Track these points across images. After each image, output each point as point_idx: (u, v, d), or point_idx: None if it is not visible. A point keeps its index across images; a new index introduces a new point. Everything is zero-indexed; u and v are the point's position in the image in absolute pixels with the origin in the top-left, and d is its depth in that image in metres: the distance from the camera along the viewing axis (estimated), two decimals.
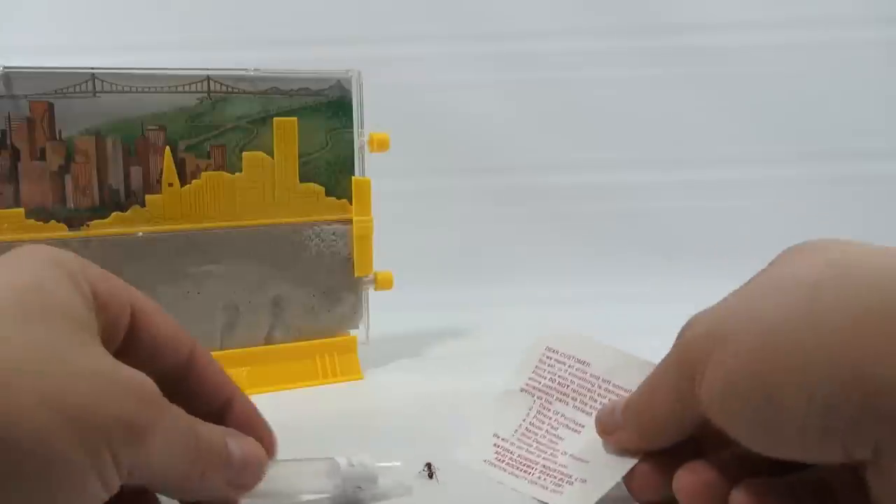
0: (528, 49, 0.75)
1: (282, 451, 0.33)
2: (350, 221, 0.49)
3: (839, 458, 0.24)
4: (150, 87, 0.44)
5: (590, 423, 0.33)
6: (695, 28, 0.76)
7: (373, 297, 0.51)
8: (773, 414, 0.24)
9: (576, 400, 0.35)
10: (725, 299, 0.28)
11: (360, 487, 0.31)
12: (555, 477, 0.33)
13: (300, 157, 0.47)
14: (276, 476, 0.29)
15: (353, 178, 0.49)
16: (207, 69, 0.45)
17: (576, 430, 0.34)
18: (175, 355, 0.29)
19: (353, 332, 0.50)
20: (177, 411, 0.25)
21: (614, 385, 0.34)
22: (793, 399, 0.24)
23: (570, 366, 0.36)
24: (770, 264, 0.29)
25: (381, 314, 0.51)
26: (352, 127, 0.49)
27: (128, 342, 0.28)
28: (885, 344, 0.22)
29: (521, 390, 0.36)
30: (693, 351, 0.27)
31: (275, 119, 0.47)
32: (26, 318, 0.23)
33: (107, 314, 0.26)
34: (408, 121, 0.62)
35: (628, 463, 0.31)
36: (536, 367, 0.36)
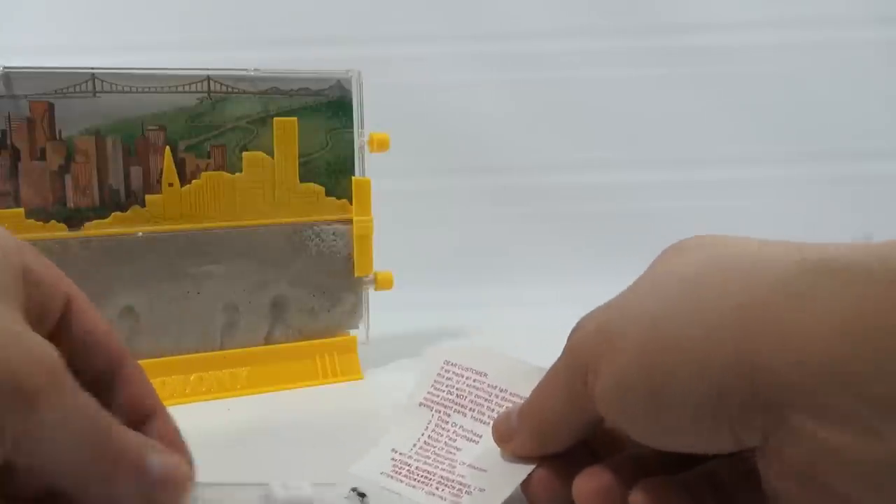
0: (528, 49, 0.75)
1: (281, 451, 0.33)
2: (350, 221, 0.49)
3: (730, 445, 0.24)
4: (150, 87, 0.44)
5: (487, 432, 0.33)
6: (695, 28, 0.76)
7: (373, 297, 0.51)
8: (664, 406, 0.25)
9: (473, 411, 0.35)
10: (611, 299, 0.29)
11: None
12: (452, 487, 0.33)
13: (300, 157, 0.47)
14: (202, 500, 0.27)
15: (353, 178, 0.49)
16: (207, 69, 0.45)
17: (474, 441, 0.34)
18: (105, 357, 0.27)
19: (353, 332, 0.50)
20: (83, 396, 0.23)
21: (511, 393, 0.34)
22: (682, 389, 0.24)
23: (467, 378, 0.36)
24: (651, 264, 0.29)
25: (381, 314, 0.51)
26: (352, 127, 0.49)
27: (58, 330, 0.26)
28: (766, 332, 0.23)
29: (420, 405, 0.36)
30: (583, 351, 0.28)
31: (275, 119, 0.47)
32: None
33: (38, 291, 0.25)
34: (408, 121, 0.62)
35: (526, 469, 0.31)
36: (435, 381, 0.36)
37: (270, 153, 0.47)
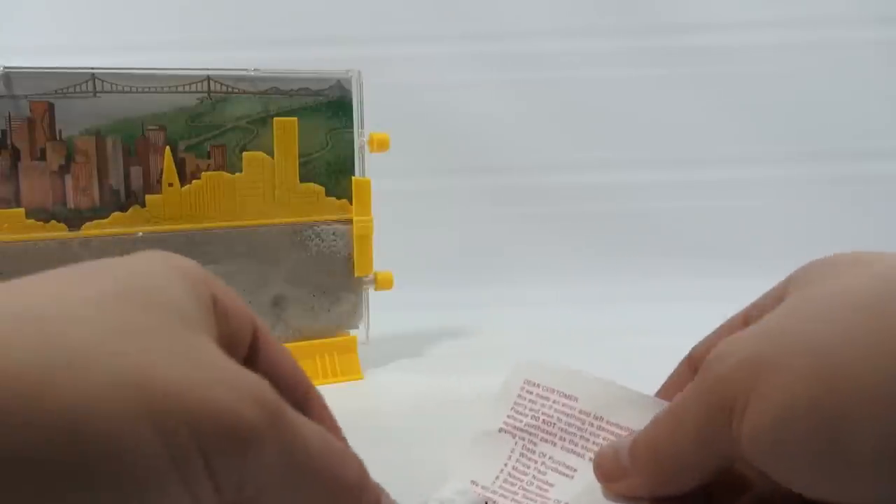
0: (528, 49, 0.75)
1: None
2: (350, 221, 0.49)
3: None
4: (150, 87, 0.44)
5: (583, 466, 0.30)
6: (695, 28, 0.76)
7: (373, 297, 0.51)
8: (838, 453, 0.21)
9: (564, 440, 0.31)
10: (761, 324, 0.24)
11: None
12: None
13: (300, 157, 0.47)
14: None
15: (353, 178, 0.49)
16: (207, 69, 0.45)
17: (567, 475, 0.30)
18: (293, 389, 0.25)
19: (353, 332, 0.50)
20: (307, 427, 0.20)
21: (608, 423, 0.30)
22: (863, 434, 0.21)
23: (554, 401, 0.32)
24: (793, 282, 0.26)
25: (381, 314, 0.51)
26: (352, 127, 0.49)
27: (248, 362, 0.24)
28: None
29: (500, 430, 0.32)
30: (728, 384, 0.23)
31: (275, 119, 0.47)
32: (119, 303, 0.19)
33: (228, 323, 0.22)
34: (408, 121, 0.62)
35: None
36: (515, 403, 0.32)
37: (270, 153, 0.47)
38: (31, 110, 0.42)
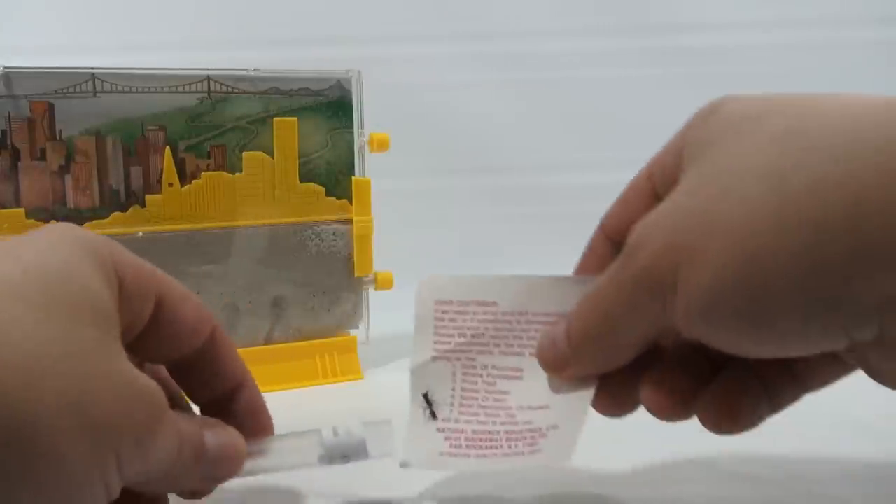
0: (528, 49, 0.75)
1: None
2: (350, 221, 0.49)
3: (841, 345, 0.23)
4: (150, 87, 0.44)
5: (527, 364, 0.30)
6: (694, 28, 0.76)
7: (373, 297, 0.51)
8: (766, 317, 0.23)
9: (499, 346, 0.30)
10: (672, 205, 0.25)
11: (346, 457, 0.30)
12: (524, 438, 0.29)
13: (300, 157, 0.47)
14: (258, 454, 0.29)
15: (353, 178, 0.49)
16: (207, 69, 0.45)
17: (516, 378, 0.30)
18: (193, 343, 0.28)
19: (353, 332, 0.50)
20: (172, 415, 0.25)
21: (534, 314, 0.30)
22: (789, 297, 0.22)
23: (474, 312, 0.31)
24: (701, 145, 0.26)
25: (381, 314, 0.51)
26: (352, 127, 0.49)
27: (146, 332, 0.27)
28: (884, 223, 0.21)
29: (434, 359, 0.32)
30: (656, 269, 0.25)
31: (275, 119, 0.47)
32: (50, 311, 0.22)
33: (130, 307, 0.26)
34: (408, 121, 0.62)
35: (590, 391, 0.28)
36: (436, 328, 0.32)
37: (270, 153, 0.47)
38: (31, 110, 0.42)
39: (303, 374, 0.48)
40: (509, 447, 0.29)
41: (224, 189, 0.46)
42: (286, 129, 0.47)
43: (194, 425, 0.27)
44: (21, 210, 0.42)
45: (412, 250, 0.59)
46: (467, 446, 0.30)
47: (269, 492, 0.34)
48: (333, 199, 0.49)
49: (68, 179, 0.43)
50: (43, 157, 0.42)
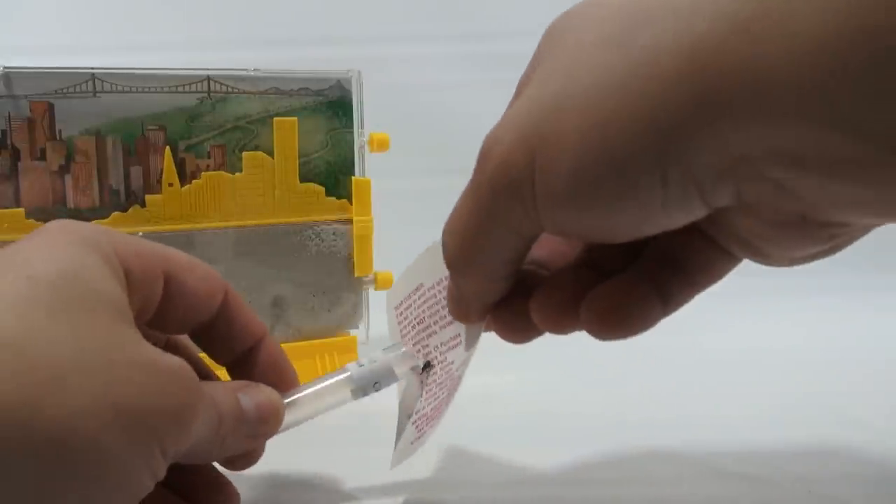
0: (528, 49, 0.75)
1: (281, 451, 0.33)
2: (350, 221, 0.49)
3: (703, 211, 0.22)
4: (150, 87, 0.44)
5: (460, 327, 0.30)
6: None
7: (373, 297, 0.51)
8: (627, 190, 0.22)
9: (438, 322, 0.31)
10: (522, 99, 0.24)
11: (377, 384, 0.31)
12: (457, 383, 0.31)
13: (300, 157, 0.47)
14: (293, 406, 0.30)
15: (353, 178, 0.49)
16: (207, 69, 0.45)
17: (457, 345, 0.31)
18: (209, 308, 0.29)
19: (353, 332, 0.50)
20: (205, 388, 0.25)
21: (446, 277, 0.30)
22: (645, 165, 0.21)
23: (413, 302, 0.32)
24: (543, 53, 0.25)
25: (381, 314, 0.51)
26: (352, 127, 0.49)
27: (161, 309, 0.28)
28: (723, 72, 0.19)
29: (404, 353, 0.33)
30: (510, 166, 0.23)
31: (275, 119, 0.47)
32: (68, 311, 0.22)
33: (140, 291, 0.26)
34: (408, 121, 0.62)
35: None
36: (400, 332, 0.34)
37: (270, 153, 0.47)
38: (31, 110, 0.42)
39: (303, 374, 0.48)
40: (447, 403, 0.31)
41: (224, 189, 0.46)
42: (286, 129, 0.47)
43: (228, 391, 0.27)
44: (21, 210, 0.42)
45: (412, 250, 0.59)
46: (426, 424, 0.32)
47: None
48: (333, 199, 0.49)
49: (68, 179, 0.43)
50: (43, 157, 0.42)
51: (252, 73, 0.46)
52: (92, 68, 0.43)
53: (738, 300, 0.59)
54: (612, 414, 0.41)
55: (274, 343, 0.31)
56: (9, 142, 0.41)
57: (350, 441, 0.39)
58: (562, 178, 0.22)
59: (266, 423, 0.28)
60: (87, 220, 0.43)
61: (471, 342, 0.30)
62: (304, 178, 0.48)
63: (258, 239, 0.47)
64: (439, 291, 0.31)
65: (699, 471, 0.35)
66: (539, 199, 0.23)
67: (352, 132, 0.49)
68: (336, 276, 0.49)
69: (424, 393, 0.32)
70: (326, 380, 0.31)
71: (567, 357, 0.52)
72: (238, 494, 0.30)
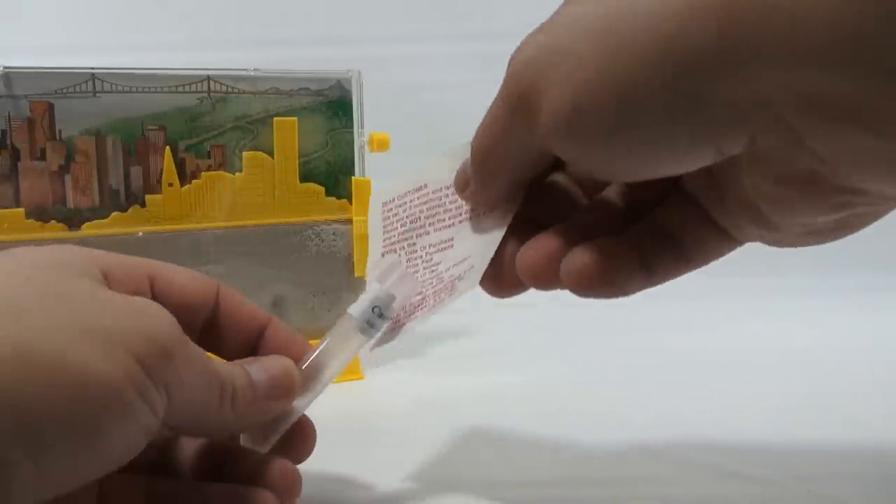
0: None
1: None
2: (350, 221, 0.49)
3: (710, 156, 0.22)
4: (150, 87, 0.44)
5: (455, 231, 0.31)
6: None
7: None
8: (631, 116, 0.21)
9: (433, 224, 0.31)
10: (549, 19, 0.24)
11: (382, 313, 0.31)
12: (447, 287, 0.31)
13: (300, 157, 0.47)
14: (311, 369, 0.30)
15: (353, 178, 0.49)
16: (207, 69, 0.45)
17: (448, 248, 0.31)
18: (203, 305, 0.29)
19: None
20: (195, 345, 0.25)
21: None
22: (655, 89, 0.20)
23: (410, 200, 0.32)
24: None
25: None
26: (352, 127, 0.49)
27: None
28: (750, 5, 0.19)
29: (383, 254, 0.33)
30: (524, 77, 0.23)
31: (275, 119, 0.47)
32: (41, 269, 0.23)
33: (124, 287, 0.26)
34: (408, 121, 0.62)
35: (502, 229, 0.29)
36: (384, 227, 0.33)
37: (270, 153, 0.47)
38: (31, 110, 0.42)
39: None
40: (435, 300, 0.31)
41: (224, 189, 0.46)
42: (286, 129, 0.47)
43: (234, 365, 0.27)
44: (21, 210, 0.42)
45: None
46: (403, 317, 0.32)
47: None
48: (333, 199, 0.49)
49: (68, 179, 0.43)
50: (43, 157, 0.42)
51: (252, 73, 0.46)
52: (92, 68, 0.43)
53: (739, 300, 0.59)
54: (613, 414, 0.41)
55: (281, 325, 0.31)
56: (9, 142, 0.41)
57: (350, 441, 0.39)
58: (566, 99, 0.22)
59: (280, 387, 0.28)
60: (88, 220, 0.43)
61: (487, 246, 0.29)
62: (304, 178, 0.48)
63: (258, 239, 0.47)
64: (444, 195, 0.31)
65: (699, 471, 0.35)
66: (542, 117, 0.23)
67: (352, 132, 0.49)
68: (336, 276, 0.49)
69: (400, 283, 0.32)
70: (332, 336, 0.31)
71: (568, 357, 0.52)
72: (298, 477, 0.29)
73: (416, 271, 0.32)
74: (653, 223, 0.27)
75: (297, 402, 0.30)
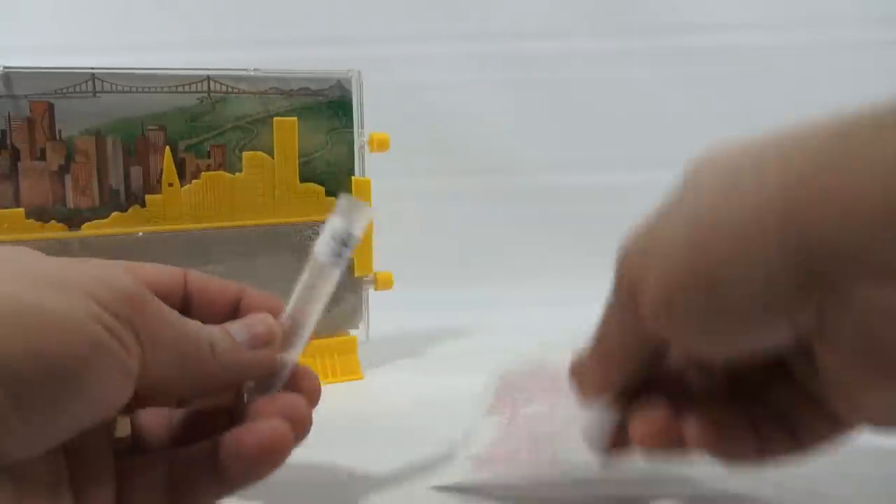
0: (528, 49, 0.75)
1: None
2: None
3: (786, 334, 0.24)
4: (150, 87, 0.44)
5: (562, 405, 0.32)
6: (694, 28, 0.76)
7: (373, 297, 0.51)
8: (714, 302, 0.24)
9: (543, 400, 0.33)
10: (651, 217, 0.28)
11: (342, 241, 0.32)
12: (547, 455, 0.32)
13: (300, 157, 0.47)
14: (291, 318, 0.30)
15: (353, 178, 0.49)
16: (207, 69, 0.45)
17: (551, 420, 0.32)
18: (174, 295, 0.29)
19: (353, 332, 0.50)
20: (162, 303, 0.25)
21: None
22: (731, 280, 0.23)
23: (527, 375, 0.35)
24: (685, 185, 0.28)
25: (381, 314, 0.51)
26: (352, 127, 0.49)
27: None
28: (810, 201, 0.22)
29: (488, 413, 0.35)
30: (627, 272, 0.27)
31: (275, 119, 0.47)
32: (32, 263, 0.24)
33: None
34: (408, 121, 0.62)
35: (601, 418, 0.30)
36: (497, 392, 0.35)
37: (270, 153, 0.47)
38: (31, 110, 0.42)
39: None
40: (529, 464, 0.32)
41: (224, 189, 0.46)
42: (286, 129, 0.47)
43: (210, 325, 0.27)
44: (21, 210, 0.42)
45: (412, 250, 0.60)
46: (486, 465, 0.33)
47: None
48: (333, 199, 0.49)
49: (68, 179, 0.43)
50: (43, 157, 0.42)
51: (252, 73, 0.46)
52: (92, 68, 0.43)
53: None
54: None
55: (255, 291, 0.31)
56: (9, 142, 0.41)
57: (350, 441, 0.39)
58: (658, 287, 0.25)
59: (260, 336, 0.28)
60: (87, 220, 0.43)
61: (594, 432, 0.30)
62: (304, 178, 0.48)
63: (258, 239, 0.47)
64: (559, 377, 0.33)
65: (699, 471, 0.35)
66: (645, 303, 0.26)
67: (352, 132, 0.49)
68: None
69: (493, 431, 0.34)
70: (302, 283, 0.32)
71: None
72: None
73: (516, 432, 0.33)
74: (768, 399, 0.28)
75: (290, 350, 0.30)
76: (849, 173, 0.21)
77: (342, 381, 0.49)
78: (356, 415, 0.44)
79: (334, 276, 0.32)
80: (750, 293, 0.23)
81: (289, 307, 0.31)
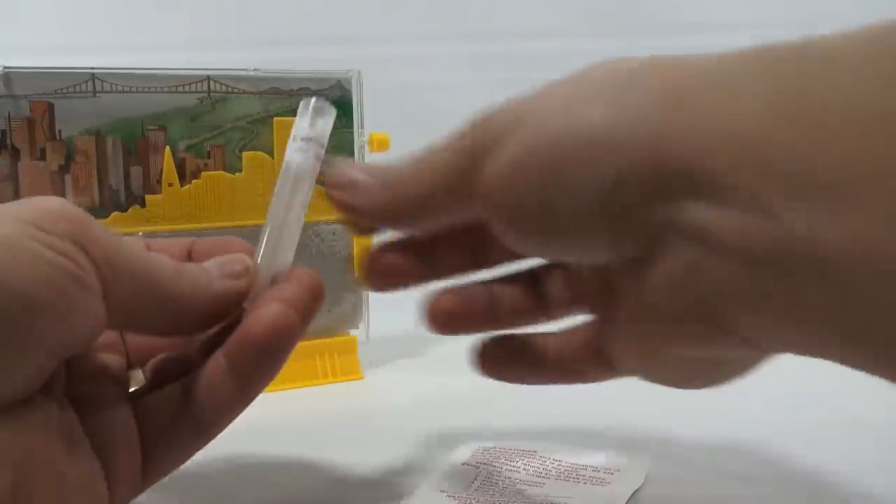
0: (528, 49, 0.75)
1: (281, 451, 0.33)
2: None
3: (606, 255, 0.23)
4: (150, 87, 0.44)
5: (551, 482, 0.33)
6: (694, 28, 0.76)
7: (373, 297, 0.51)
8: (553, 196, 0.23)
9: (528, 469, 0.34)
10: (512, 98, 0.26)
11: (315, 141, 0.33)
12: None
13: None
14: (269, 236, 0.31)
15: None
16: (207, 69, 0.45)
17: (539, 485, 0.33)
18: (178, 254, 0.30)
19: (353, 332, 0.50)
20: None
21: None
22: (583, 176, 0.22)
23: (510, 452, 0.36)
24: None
25: (381, 314, 0.51)
26: (352, 127, 0.49)
27: None
28: (681, 118, 0.21)
29: (463, 464, 0.35)
30: (486, 127, 0.25)
31: (275, 119, 0.47)
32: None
33: None
34: (408, 121, 0.62)
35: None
36: (472, 454, 0.36)
37: (270, 153, 0.47)
38: (31, 110, 0.42)
39: (303, 374, 0.48)
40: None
41: (224, 189, 0.46)
42: (286, 130, 0.47)
43: (177, 261, 0.27)
44: None
45: None
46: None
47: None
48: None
49: (68, 179, 0.43)
50: (43, 157, 0.42)
51: (252, 73, 0.46)
52: (92, 68, 0.43)
53: None
54: (612, 414, 0.41)
55: (205, 239, 0.31)
56: (9, 142, 0.41)
57: (350, 441, 0.39)
58: (510, 156, 0.24)
59: (229, 264, 0.28)
60: None
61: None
62: None
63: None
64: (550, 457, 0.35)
65: (699, 471, 0.35)
66: (485, 169, 0.24)
67: (352, 132, 0.49)
68: (336, 276, 0.49)
69: (470, 484, 0.33)
70: (275, 194, 0.32)
71: None
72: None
73: (495, 484, 0.33)
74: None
75: (284, 252, 0.31)
76: (727, 96, 0.21)
77: (342, 381, 0.49)
78: (356, 415, 0.44)
79: (308, 174, 0.32)
80: (590, 196, 0.22)
81: (274, 209, 0.31)
